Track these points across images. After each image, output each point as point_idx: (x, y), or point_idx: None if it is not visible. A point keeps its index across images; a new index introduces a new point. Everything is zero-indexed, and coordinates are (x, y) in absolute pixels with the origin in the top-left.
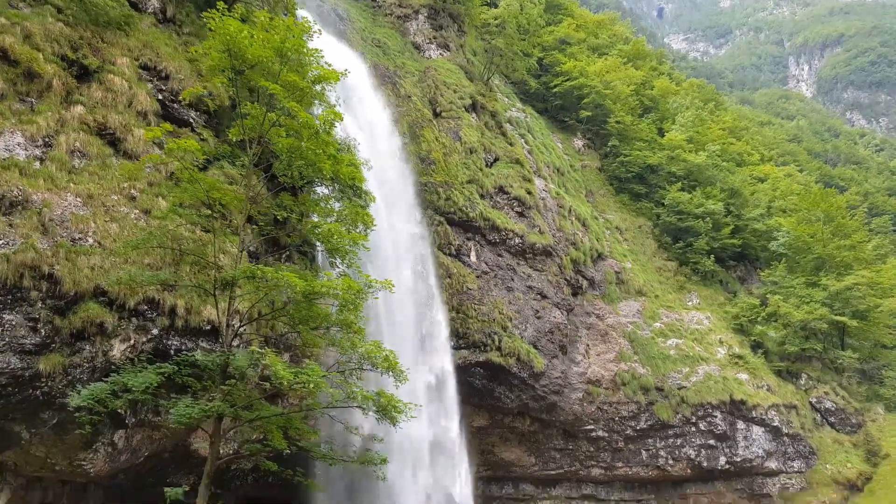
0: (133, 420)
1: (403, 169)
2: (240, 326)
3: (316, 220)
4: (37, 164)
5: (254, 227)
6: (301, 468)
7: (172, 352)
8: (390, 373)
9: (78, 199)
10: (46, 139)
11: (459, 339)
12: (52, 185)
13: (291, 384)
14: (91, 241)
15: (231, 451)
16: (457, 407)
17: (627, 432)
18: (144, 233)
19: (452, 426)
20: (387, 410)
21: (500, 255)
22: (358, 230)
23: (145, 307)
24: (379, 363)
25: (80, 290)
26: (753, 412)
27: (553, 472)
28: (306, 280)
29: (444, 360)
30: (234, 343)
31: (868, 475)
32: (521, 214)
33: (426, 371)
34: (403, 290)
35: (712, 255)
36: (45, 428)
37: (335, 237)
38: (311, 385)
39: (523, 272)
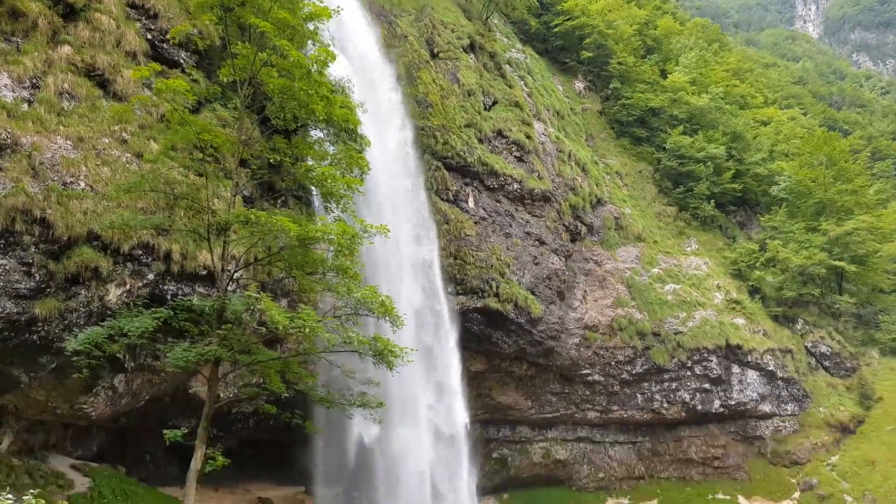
0: (132, 364)
1: (400, 112)
2: (235, 271)
3: (310, 163)
4: (25, 105)
5: (247, 170)
6: (301, 412)
7: (169, 297)
8: (386, 318)
9: (68, 142)
10: (34, 80)
11: (457, 285)
12: (42, 128)
13: (287, 329)
14: (83, 184)
15: (231, 395)
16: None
17: (623, 376)
18: (136, 176)
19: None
20: (383, 355)
21: (498, 201)
22: (354, 175)
23: (140, 252)
24: (375, 308)
25: (73, 234)
26: (749, 356)
27: (549, 416)
28: (300, 225)
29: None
30: (231, 288)
31: (861, 418)
32: (519, 159)
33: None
34: (401, 238)
35: (712, 200)
36: (45, 372)
37: (329, 181)
38: (307, 330)
39: (522, 218)
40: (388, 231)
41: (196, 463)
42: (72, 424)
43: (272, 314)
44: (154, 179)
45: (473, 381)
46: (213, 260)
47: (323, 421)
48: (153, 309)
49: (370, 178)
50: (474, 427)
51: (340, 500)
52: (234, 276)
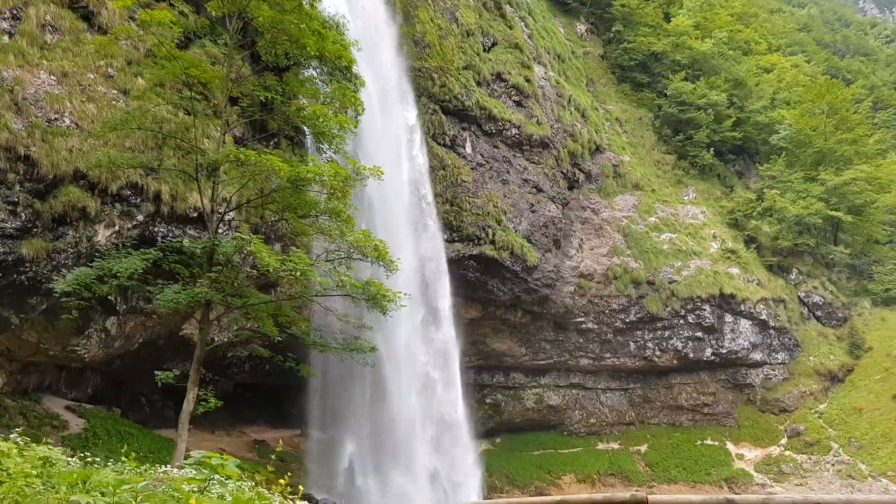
0: (124, 307)
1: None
2: (225, 212)
3: (303, 102)
4: (6, 38)
5: (237, 109)
6: (294, 356)
7: (159, 239)
8: (380, 262)
9: (52, 77)
10: (14, 12)
11: (453, 232)
12: (24, 62)
13: (278, 271)
14: (68, 121)
15: (225, 340)
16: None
17: (617, 325)
18: (123, 114)
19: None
20: (376, 299)
21: (495, 147)
22: (348, 114)
23: (129, 192)
24: (368, 252)
25: (58, 173)
26: (742, 306)
27: (543, 363)
28: (292, 165)
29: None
30: (222, 231)
31: (850, 367)
32: (518, 104)
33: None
34: (397, 181)
35: (712, 149)
36: (35, 314)
37: (321, 120)
38: (298, 273)
39: (519, 165)
40: (382, 173)
41: (188, 405)
42: (66, 367)
43: (262, 256)
44: (141, 117)
45: (468, 328)
46: (202, 201)
47: (320, 365)
48: (143, 250)
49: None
50: (468, 373)
51: (334, 444)
52: (226, 219)
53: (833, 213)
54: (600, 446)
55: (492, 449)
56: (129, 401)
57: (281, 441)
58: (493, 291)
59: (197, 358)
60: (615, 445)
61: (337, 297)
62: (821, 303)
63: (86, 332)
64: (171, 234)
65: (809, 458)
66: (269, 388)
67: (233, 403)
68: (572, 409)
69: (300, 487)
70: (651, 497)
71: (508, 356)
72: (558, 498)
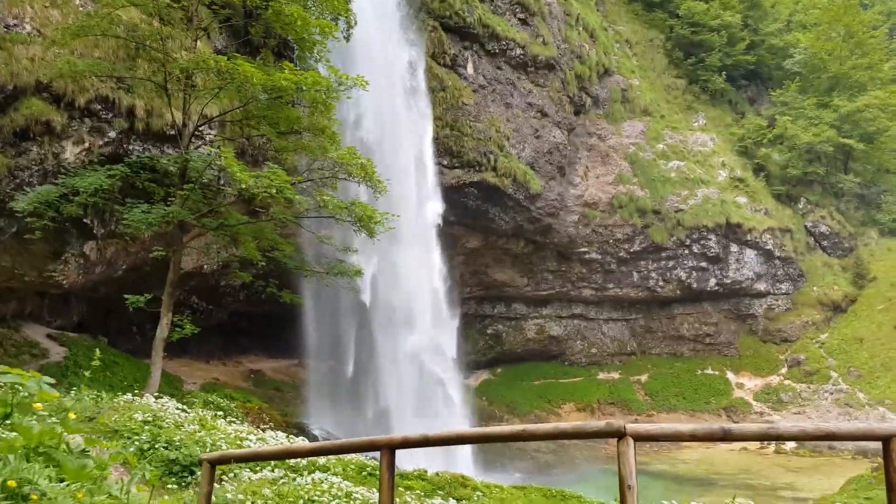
0: (102, 231)
1: None
2: (199, 125)
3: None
4: None
5: (214, 15)
6: (292, 287)
7: (135, 158)
8: (368, 183)
9: None
10: None
11: (453, 157)
12: None
13: (251, 188)
14: (28, 28)
15: (215, 266)
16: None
17: (620, 255)
18: (88, 18)
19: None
20: (363, 221)
21: (499, 68)
22: (339, 25)
23: (98, 107)
24: (354, 171)
25: (19, 83)
26: (748, 235)
27: (544, 293)
28: (267, 73)
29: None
30: (201, 149)
31: (853, 297)
32: (523, 22)
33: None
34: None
35: (724, 73)
36: (5, 236)
37: (299, 23)
38: (273, 190)
39: (524, 87)
40: (367, 83)
41: (161, 331)
42: (47, 294)
43: (233, 171)
44: (109, 23)
45: (469, 257)
46: (173, 114)
47: (312, 292)
48: (108, 167)
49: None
50: (469, 304)
51: (331, 372)
52: (204, 136)
53: (845, 140)
54: (601, 376)
55: (492, 379)
56: (118, 329)
57: (277, 370)
58: (494, 220)
59: (170, 281)
60: (616, 375)
61: (332, 225)
62: (827, 233)
63: (62, 257)
64: (147, 153)
65: (808, 387)
66: (266, 317)
67: (229, 333)
68: (573, 339)
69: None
70: (631, 426)
71: (510, 286)
72: (520, 428)
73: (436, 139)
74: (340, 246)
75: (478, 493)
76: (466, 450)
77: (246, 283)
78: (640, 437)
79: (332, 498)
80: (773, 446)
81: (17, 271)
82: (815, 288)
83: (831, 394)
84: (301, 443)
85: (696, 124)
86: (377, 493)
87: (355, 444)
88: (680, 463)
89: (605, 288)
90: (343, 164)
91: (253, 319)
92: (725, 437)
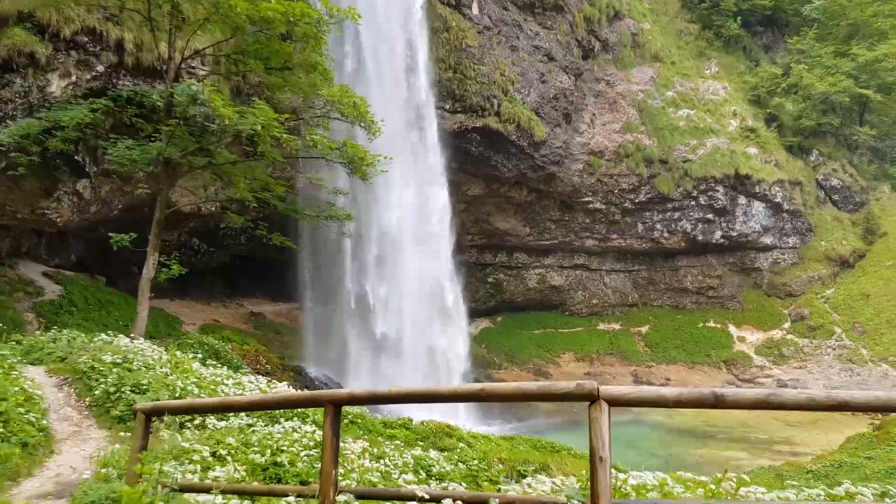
0: (95, 169)
1: None
2: (187, 58)
3: None
4: None
5: None
6: (288, 232)
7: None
8: (361, 123)
9: None
10: None
11: (455, 101)
12: None
13: (235, 124)
14: None
15: (212, 208)
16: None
17: (625, 205)
18: None
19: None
20: (355, 163)
21: (505, 9)
22: None
23: (85, 39)
24: (346, 110)
25: (1, 12)
26: (757, 187)
27: (547, 243)
28: (252, 2)
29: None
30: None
31: (862, 252)
32: None
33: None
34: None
35: (739, 18)
36: None
37: None
38: (259, 127)
39: (530, 30)
40: (359, 16)
41: (148, 271)
42: (44, 232)
43: (216, 105)
44: None
45: (471, 205)
46: (160, 47)
47: (308, 236)
48: (92, 100)
49: None
50: (470, 252)
51: (330, 316)
52: (197, 73)
53: (861, 90)
54: (601, 326)
55: (492, 327)
56: (117, 269)
57: (278, 313)
58: (497, 167)
59: (156, 221)
60: (616, 326)
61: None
62: (839, 186)
63: (55, 195)
64: (138, 89)
65: (811, 342)
66: (267, 261)
67: (231, 275)
68: (575, 289)
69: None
70: (606, 389)
71: (512, 235)
72: (478, 387)
73: (437, 82)
74: (331, 189)
75: (462, 444)
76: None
77: (244, 227)
78: (615, 402)
79: (302, 448)
80: None
81: (10, 208)
82: (823, 242)
83: (834, 349)
84: (251, 395)
85: (707, 72)
86: (353, 443)
87: (296, 398)
88: (677, 414)
89: (608, 238)
90: (335, 102)
91: (255, 263)
92: (717, 403)
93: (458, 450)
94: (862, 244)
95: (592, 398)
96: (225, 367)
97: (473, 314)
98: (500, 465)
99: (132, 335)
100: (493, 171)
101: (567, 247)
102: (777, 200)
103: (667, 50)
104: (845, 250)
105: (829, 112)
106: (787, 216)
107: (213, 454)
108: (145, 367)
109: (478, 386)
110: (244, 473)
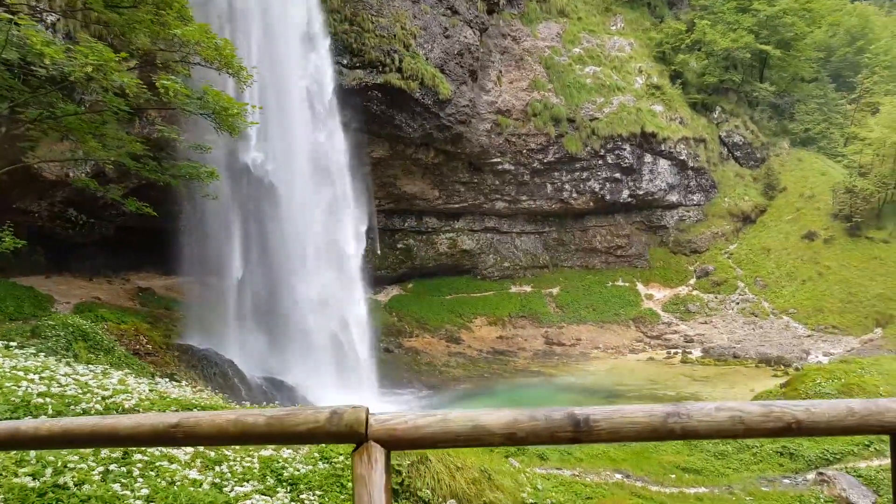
0: None
1: None
2: None
3: None
4: None
5: None
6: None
7: None
8: (228, 71)
9: None
10: None
11: (353, 56)
12: None
13: (62, 66)
14: None
15: (83, 174)
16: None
17: (534, 165)
18: None
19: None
20: (218, 114)
21: None
22: None
23: None
24: (207, 53)
25: None
26: (662, 145)
27: (457, 206)
28: None
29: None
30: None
31: (763, 207)
32: None
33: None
34: None
35: None
36: None
37: None
38: (90, 69)
39: None
40: None
41: None
42: None
43: (33, 42)
44: None
45: (376, 167)
46: None
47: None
48: None
49: None
50: (378, 217)
51: (216, 288)
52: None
53: (762, 46)
54: (513, 289)
55: (402, 294)
56: None
57: (169, 288)
58: (401, 127)
59: None
60: (528, 288)
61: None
62: (741, 143)
63: None
64: None
65: (716, 297)
66: (157, 231)
67: (115, 248)
68: (486, 253)
69: None
70: (380, 419)
71: (421, 199)
72: (173, 419)
73: (333, 34)
74: (192, 143)
75: None
76: (371, 369)
77: (126, 195)
78: (398, 444)
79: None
80: (679, 355)
81: None
82: (726, 199)
83: (737, 303)
84: None
85: (613, 28)
86: None
87: None
88: (588, 374)
89: (518, 200)
90: (192, 43)
91: (144, 234)
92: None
93: None
94: (763, 199)
95: (357, 439)
96: (42, 355)
97: (383, 281)
98: None
99: None
100: (398, 132)
101: (477, 210)
102: (682, 158)
103: (573, 5)
104: (747, 206)
105: (731, 69)
106: (691, 174)
107: None
108: None
109: (172, 418)
110: None
